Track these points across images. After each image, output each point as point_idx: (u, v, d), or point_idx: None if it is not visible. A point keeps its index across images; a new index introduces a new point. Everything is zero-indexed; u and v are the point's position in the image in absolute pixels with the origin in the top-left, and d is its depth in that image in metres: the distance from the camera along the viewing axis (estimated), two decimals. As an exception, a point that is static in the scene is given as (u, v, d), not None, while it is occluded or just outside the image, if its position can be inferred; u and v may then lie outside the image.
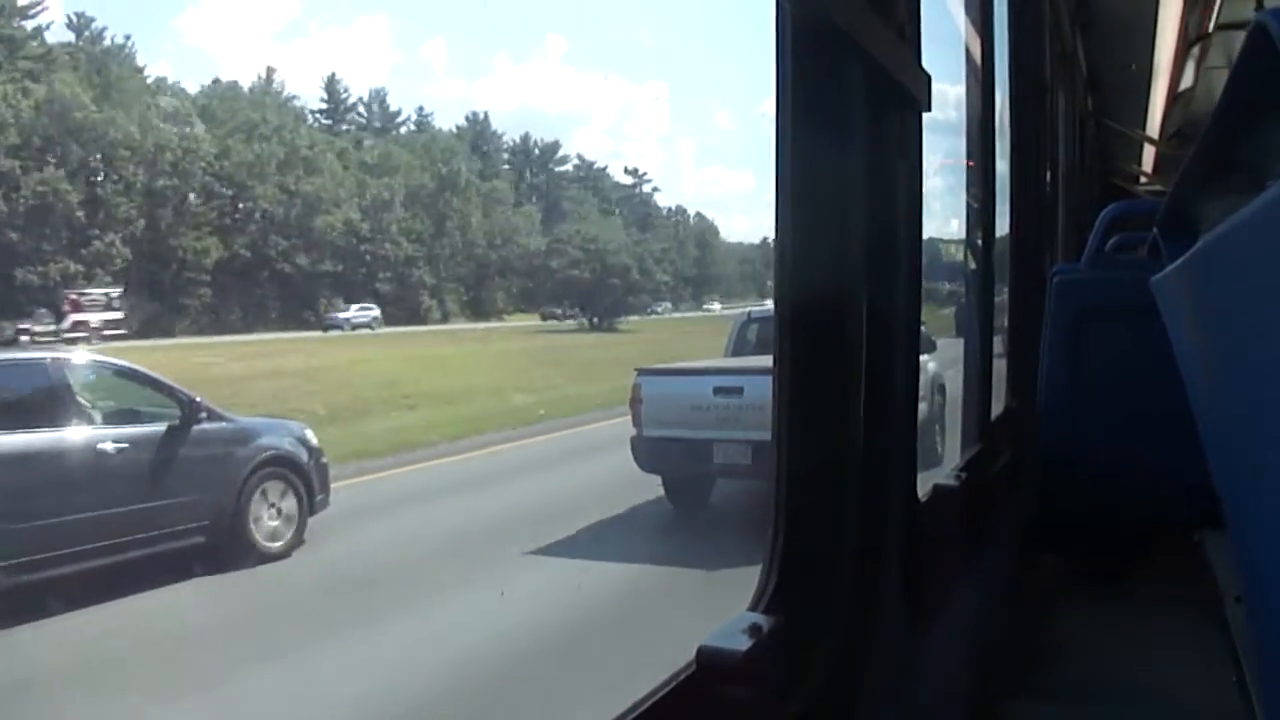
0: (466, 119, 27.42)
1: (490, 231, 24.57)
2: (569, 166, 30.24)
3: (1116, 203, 5.32)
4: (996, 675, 3.16)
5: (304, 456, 7.28)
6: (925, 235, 2.20)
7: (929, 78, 2.01)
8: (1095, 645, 3.46)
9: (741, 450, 8.09)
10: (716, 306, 28.38)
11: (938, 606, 2.31)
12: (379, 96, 25.95)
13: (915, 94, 1.92)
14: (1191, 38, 7.24)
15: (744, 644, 1.42)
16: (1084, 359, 4.20)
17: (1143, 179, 12.96)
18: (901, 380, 2.01)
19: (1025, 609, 3.90)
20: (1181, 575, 3.50)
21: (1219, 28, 6.63)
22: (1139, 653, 3.33)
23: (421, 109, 26.85)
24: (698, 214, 31.93)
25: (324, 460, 7.42)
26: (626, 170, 30.85)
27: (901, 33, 1.88)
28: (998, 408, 3.89)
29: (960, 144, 4.27)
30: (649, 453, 8.68)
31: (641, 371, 9.16)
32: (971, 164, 4.07)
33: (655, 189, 30.62)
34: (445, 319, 22.39)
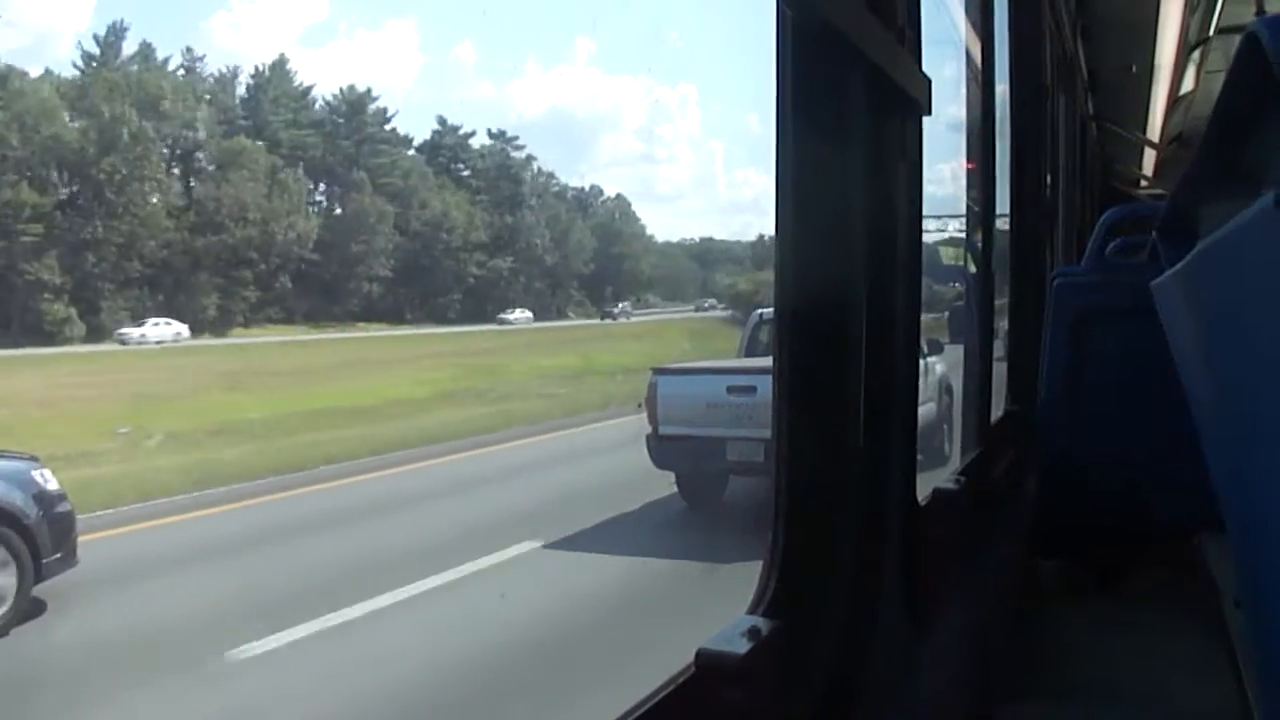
0: (270, 67, 19.87)
1: (210, 208, 16.63)
2: (401, 128, 22.20)
3: (1117, 206, 5.34)
4: (996, 679, 3.16)
5: (30, 507, 5.59)
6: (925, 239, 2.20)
7: (929, 81, 2.01)
8: (1095, 649, 3.46)
9: (754, 448, 8.22)
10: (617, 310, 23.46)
11: (938, 610, 2.31)
12: (119, 28, 17.37)
13: (916, 97, 1.93)
14: (1192, 41, 7.25)
15: (743, 647, 1.42)
16: (1084, 362, 4.20)
17: (1143, 182, 12.97)
18: (901, 383, 2.01)
19: (1025, 612, 3.91)
20: (1180, 579, 3.50)
21: (1220, 31, 6.64)
22: (1138, 656, 3.33)
23: (147, 42, 17.52)
24: (618, 195, 26.24)
25: (64, 509, 5.77)
26: (491, 135, 24.19)
27: (901, 36, 1.88)
28: (998, 411, 3.90)
29: (960, 146, 4.28)
30: (663, 450, 8.87)
31: (657, 370, 9.33)
32: (972, 166, 4.08)
33: (530, 157, 24.46)
34: (95, 335, 14.45)
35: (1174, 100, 9.13)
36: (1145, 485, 3.82)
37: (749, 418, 8.37)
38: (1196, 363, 1.70)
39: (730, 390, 8.75)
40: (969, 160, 4.12)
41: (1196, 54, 7.53)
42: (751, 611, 1.56)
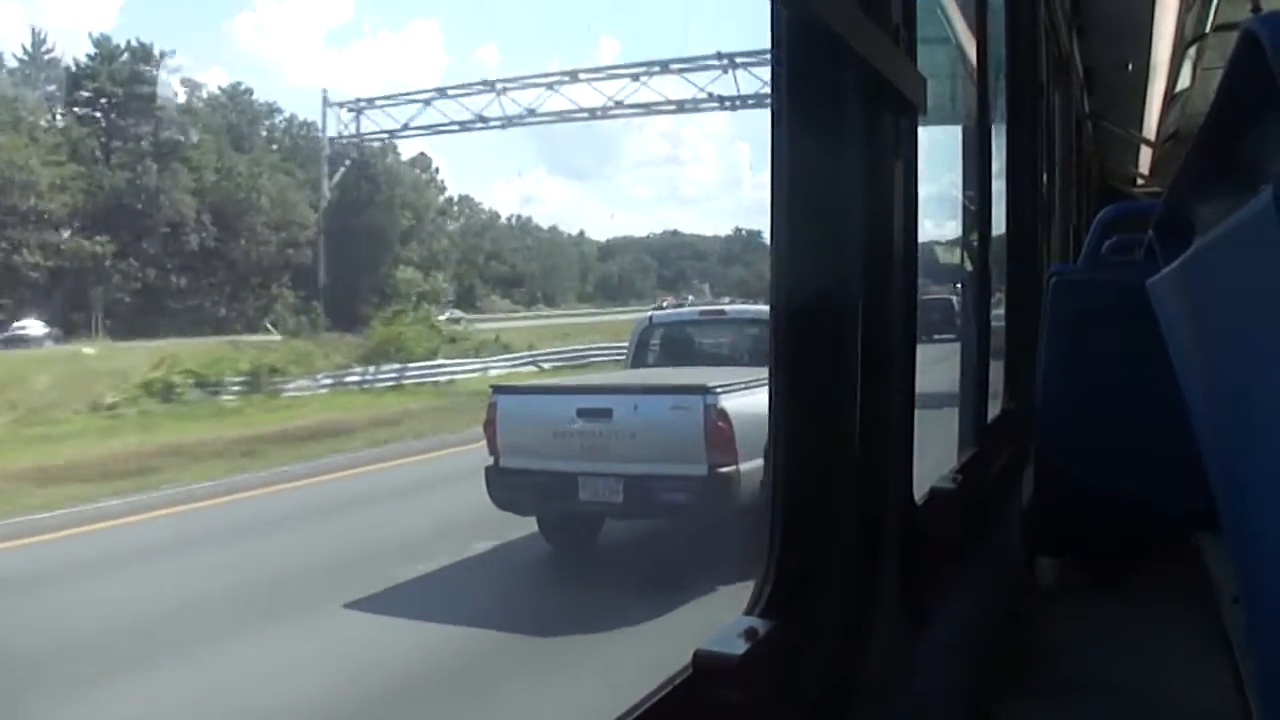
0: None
1: None
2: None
3: (1113, 204, 5.34)
4: (994, 677, 3.16)
5: None
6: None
7: (924, 80, 2.01)
8: (1092, 647, 3.46)
9: (611, 486, 6.90)
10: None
11: (935, 608, 2.31)
12: None
13: (910, 96, 1.92)
14: (1188, 39, 7.27)
15: (740, 648, 1.42)
16: (1081, 360, 4.20)
17: (1139, 180, 13.00)
18: (897, 382, 2.01)
19: (1023, 611, 3.91)
20: (1178, 577, 3.50)
21: (1215, 29, 6.66)
22: (1136, 654, 3.33)
23: None
24: (419, 158, 17.84)
25: None
26: (128, 47, 15.63)
27: (896, 35, 1.88)
28: (995, 409, 3.90)
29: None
30: (505, 487, 7.27)
31: (497, 389, 7.86)
32: (968, 165, 4.08)
33: (195, 84, 15.70)
34: None
35: (1170, 98, 9.16)
36: (1142, 483, 3.82)
37: (604, 449, 6.95)
38: (1193, 361, 1.70)
39: (581, 414, 7.13)
40: (965, 159, 4.12)
41: (1192, 51, 7.55)
42: (749, 612, 1.56)
